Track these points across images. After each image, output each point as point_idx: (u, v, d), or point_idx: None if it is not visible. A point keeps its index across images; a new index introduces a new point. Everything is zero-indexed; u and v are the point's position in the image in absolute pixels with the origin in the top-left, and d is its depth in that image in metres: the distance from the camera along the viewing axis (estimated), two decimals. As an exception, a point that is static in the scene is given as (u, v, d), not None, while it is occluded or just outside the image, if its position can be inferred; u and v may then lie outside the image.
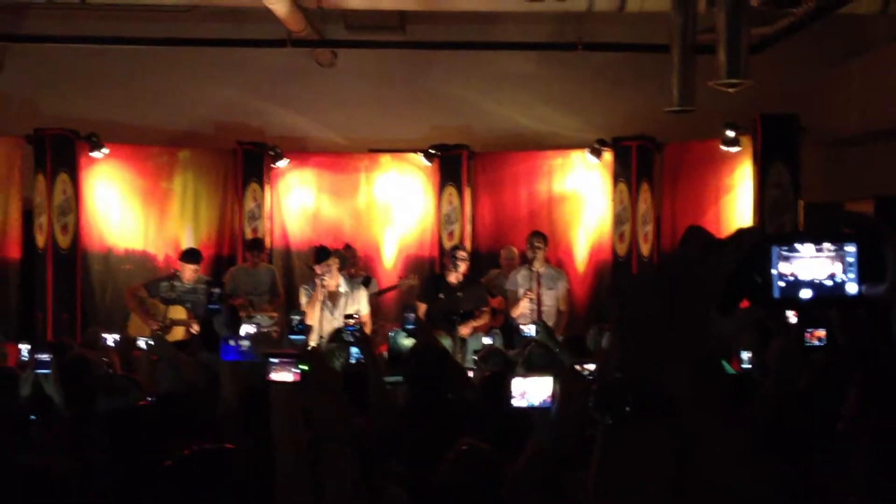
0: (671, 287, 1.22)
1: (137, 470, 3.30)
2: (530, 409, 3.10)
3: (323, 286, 8.14)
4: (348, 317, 6.14)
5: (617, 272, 10.21)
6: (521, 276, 9.15)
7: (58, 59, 10.92)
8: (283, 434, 2.69)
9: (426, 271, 10.34)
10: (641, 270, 10.02)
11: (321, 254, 8.23)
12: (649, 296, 1.24)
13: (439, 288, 8.84)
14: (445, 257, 9.84)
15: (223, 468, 2.62)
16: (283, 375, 2.79)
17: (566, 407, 2.58)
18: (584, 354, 5.78)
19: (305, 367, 2.79)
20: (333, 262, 8.23)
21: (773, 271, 1.25)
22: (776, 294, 1.25)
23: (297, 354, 2.84)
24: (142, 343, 6.95)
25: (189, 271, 8.91)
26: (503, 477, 2.88)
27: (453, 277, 8.80)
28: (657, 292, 1.23)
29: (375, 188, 10.94)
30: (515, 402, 3.10)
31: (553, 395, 2.93)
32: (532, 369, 4.88)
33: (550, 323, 8.51)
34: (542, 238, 9.27)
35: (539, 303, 8.95)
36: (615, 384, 1.20)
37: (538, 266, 9.10)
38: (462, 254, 8.95)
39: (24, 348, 6.12)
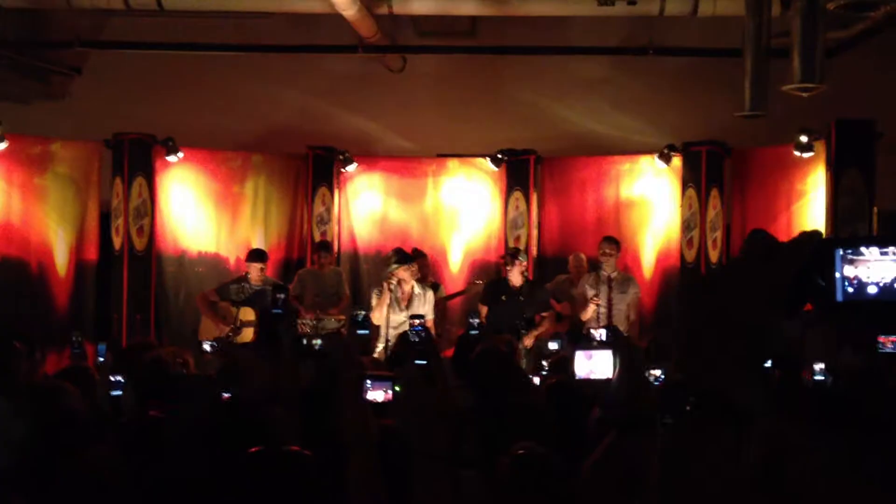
0: (733, 289, 1.22)
1: (206, 469, 3.36)
2: (592, 381, 3.12)
3: (390, 289, 8.27)
4: (414, 317, 6.19)
5: (685, 278, 10.09)
6: (591, 281, 9.12)
7: (136, 64, 11.17)
8: (355, 438, 2.71)
9: (492, 276, 10.35)
10: (706, 274, 9.89)
11: (407, 257, 8.39)
12: (707, 297, 1.24)
13: (501, 291, 8.86)
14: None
15: (288, 469, 2.66)
16: (378, 395, 2.81)
17: (626, 378, 2.60)
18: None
19: (398, 388, 2.81)
20: (415, 266, 8.40)
21: (837, 274, 1.24)
22: (840, 297, 1.24)
23: (392, 375, 2.87)
24: (207, 346, 7.07)
25: (255, 271, 9.09)
26: (558, 480, 2.88)
27: (515, 280, 8.81)
28: (716, 294, 1.23)
29: (443, 193, 10.96)
30: (579, 374, 3.13)
31: (613, 368, 2.96)
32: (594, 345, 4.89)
33: (621, 329, 8.46)
34: (615, 244, 9.22)
35: (610, 307, 8.91)
36: (677, 384, 1.20)
37: (609, 270, 9.06)
38: (508, 258, 8.96)
39: (101, 348, 6.30)
